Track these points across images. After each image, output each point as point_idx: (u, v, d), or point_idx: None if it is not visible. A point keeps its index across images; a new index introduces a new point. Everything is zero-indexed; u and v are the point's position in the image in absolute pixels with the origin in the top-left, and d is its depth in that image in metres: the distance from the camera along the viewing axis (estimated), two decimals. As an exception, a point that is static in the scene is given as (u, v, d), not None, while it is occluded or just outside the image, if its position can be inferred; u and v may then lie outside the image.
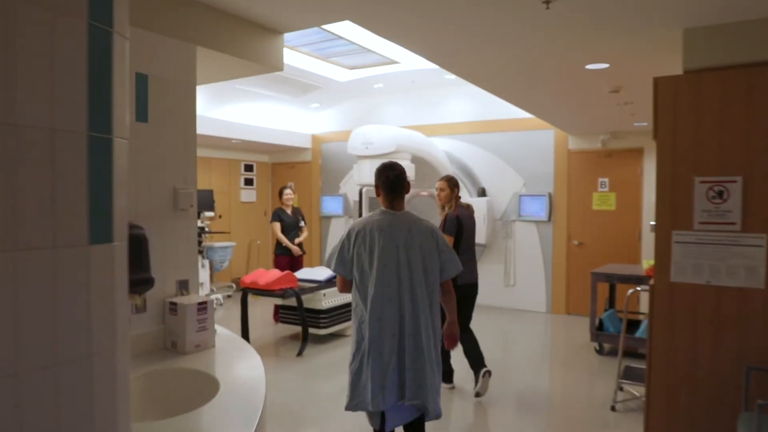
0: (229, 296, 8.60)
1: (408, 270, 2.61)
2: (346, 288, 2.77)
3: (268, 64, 3.12)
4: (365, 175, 7.05)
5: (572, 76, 4.03)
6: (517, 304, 7.82)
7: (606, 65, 3.66)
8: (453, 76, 8.06)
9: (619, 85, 4.23)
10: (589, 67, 3.73)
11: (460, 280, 3.90)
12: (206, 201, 7.83)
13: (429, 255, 2.65)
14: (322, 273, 6.03)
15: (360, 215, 7.92)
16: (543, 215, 7.61)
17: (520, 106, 5.88)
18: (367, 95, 8.74)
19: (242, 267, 9.45)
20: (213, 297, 7.65)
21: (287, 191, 6.96)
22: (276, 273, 5.50)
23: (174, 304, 2.40)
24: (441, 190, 4.59)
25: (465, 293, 4.19)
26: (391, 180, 2.74)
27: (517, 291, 7.83)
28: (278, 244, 6.78)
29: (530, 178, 7.72)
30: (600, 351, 5.62)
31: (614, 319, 5.66)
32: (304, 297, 5.52)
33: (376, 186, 2.79)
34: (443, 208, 4.61)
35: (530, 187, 7.72)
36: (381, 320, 2.59)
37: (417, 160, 7.30)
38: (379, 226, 2.64)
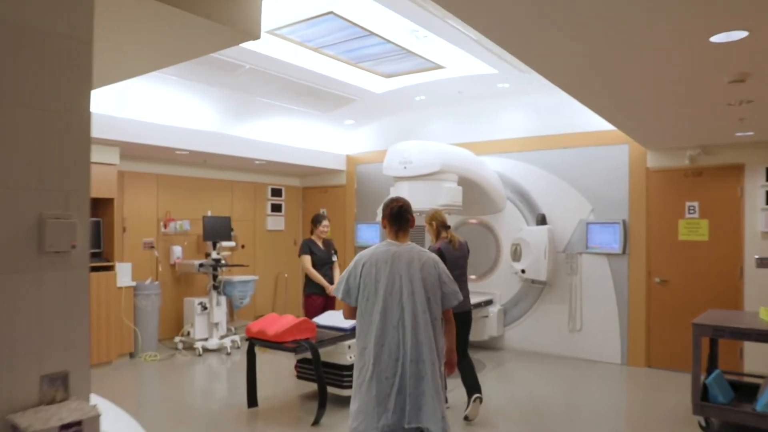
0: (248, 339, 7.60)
1: (411, 299, 2.77)
2: (351, 315, 2.95)
3: (239, 29, 2.13)
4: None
5: (685, 56, 2.89)
6: (585, 353, 6.53)
7: (742, 34, 2.51)
8: (507, 85, 6.95)
9: (747, 72, 3.06)
10: (714, 39, 2.58)
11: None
12: (221, 229, 6.93)
13: (431, 285, 2.82)
14: (348, 320, 4.96)
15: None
16: (616, 247, 6.34)
17: (597, 108, 4.73)
18: (408, 109, 7.74)
19: (267, 303, 8.48)
20: (222, 342, 6.69)
21: (326, 222, 5.87)
22: (289, 320, 4.46)
23: (16, 429, 1.34)
24: (428, 224, 4.99)
25: (459, 320, 4.09)
26: (395, 212, 2.93)
27: (585, 337, 6.55)
28: (309, 281, 5.70)
29: (600, 203, 6.49)
30: (708, 429, 4.29)
31: (723, 383, 4.35)
32: (324, 350, 4.46)
33: (383, 218, 2.99)
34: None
35: (600, 213, 6.49)
36: (384, 347, 2.76)
37: (465, 182, 6.21)
38: (384, 257, 2.82)
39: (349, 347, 4.64)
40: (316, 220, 5.81)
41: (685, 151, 5.98)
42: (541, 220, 6.70)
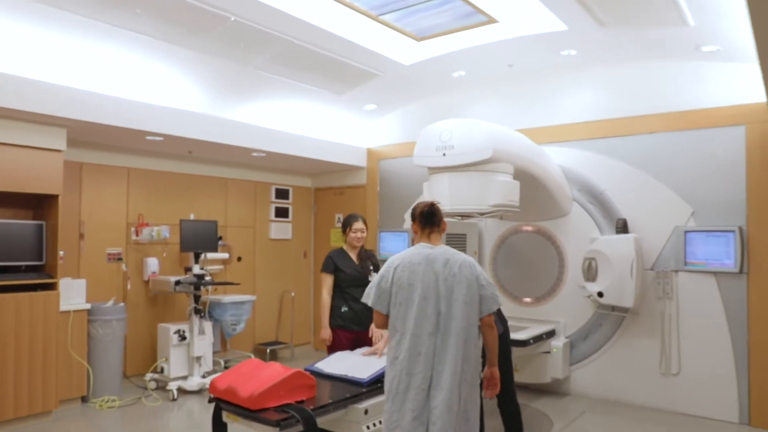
0: (212, 400, 6.08)
1: (447, 302, 2.61)
2: (383, 324, 2.77)
3: None
4: (441, 195, 4.46)
5: None
6: (685, 405, 4.86)
7: None
8: (574, 52, 5.01)
9: None
10: None
11: None
12: (205, 237, 5.45)
13: (468, 288, 2.63)
14: (367, 365, 3.42)
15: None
16: (729, 263, 4.69)
17: None
18: (443, 89, 6.20)
19: (270, 329, 6.96)
20: (205, 382, 5.18)
21: (358, 224, 4.27)
22: (274, 373, 2.92)
23: None
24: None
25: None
26: (426, 212, 2.78)
27: (685, 384, 4.88)
28: (333, 309, 4.14)
29: (704, 205, 4.85)
30: None
31: None
32: (326, 419, 2.92)
33: (413, 222, 2.84)
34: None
35: (704, 218, 4.85)
36: (420, 356, 2.59)
37: (522, 176, 4.65)
38: (418, 260, 2.66)
39: (367, 412, 3.08)
40: (347, 222, 4.28)
41: (831, 131, 4.33)
42: (622, 227, 5.08)
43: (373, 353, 3.67)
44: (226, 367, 5.95)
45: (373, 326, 4.19)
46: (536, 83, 5.75)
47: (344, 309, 4.12)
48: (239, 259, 6.51)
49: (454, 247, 2.93)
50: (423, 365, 2.58)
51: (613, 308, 5.10)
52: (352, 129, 6.87)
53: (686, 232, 4.89)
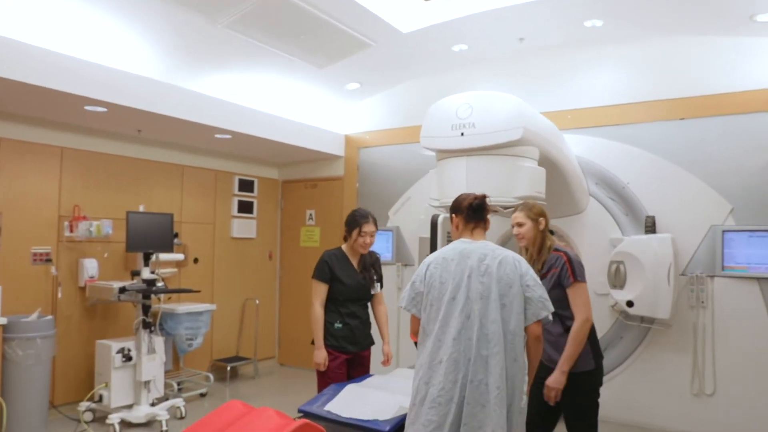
0: (203, 395, 5.11)
1: (480, 304, 2.19)
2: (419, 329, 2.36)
3: None
4: (457, 184, 3.69)
5: None
6: (718, 430, 4.26)
7: None
8: (600, 23, 4.29)
9: None
10: None
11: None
12: (158, 234, 4.47)
13: (508, 287, 2.20)
14: (387, 403, 2.59)
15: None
16: (776, 268, 4.14)
17: None
18: (440, 67, 5.43)
19: (230, 342, 5.98)
20: (154, 412, 4.19)
21: (369, 226, 3.32)
22: (274, 425, 2.04)
23: None
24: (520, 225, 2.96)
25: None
26: (476, 205, 2.42)
27: (720, 405, 4.28)
28: (326, 326, 3.27)
29: (744, 201, 4.27)
30: None
31: None
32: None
33: (454, 216, 2.50)
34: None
35: (745, 216, 4.27)
36: (441, 363, 2.17)
37: (544, 164, 3.93)
38: (452, 255, 2.32)
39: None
40: (354, 221, 3.32)
41: None
42: (651, 226, 4.45)
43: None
44: (179, 390, 4.96)
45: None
46: (550, 61, 5.06)
47: (338, 325, 3.27)
48: (196, 260, 5.51)
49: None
50: (443, 376, 2.15)
51: (642, 319, 4.46)
52: (330, 112, 5.99)
53: (724, 231, 4.30)
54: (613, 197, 4.72)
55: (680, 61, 4.55)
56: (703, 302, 4.35)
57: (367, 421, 2.46)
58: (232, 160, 6.05)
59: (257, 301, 6.11)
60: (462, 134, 3.65)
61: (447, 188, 3.84)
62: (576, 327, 2.69)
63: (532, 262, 2.85)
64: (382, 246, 5.80)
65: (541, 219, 2.91)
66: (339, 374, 3.23)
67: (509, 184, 3.66)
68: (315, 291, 3.26)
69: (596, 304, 4.54)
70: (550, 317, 2.27)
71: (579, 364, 2.71)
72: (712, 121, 4.42)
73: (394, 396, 2.70)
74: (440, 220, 4.57)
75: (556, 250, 2.87)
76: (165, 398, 4.53)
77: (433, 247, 4.62)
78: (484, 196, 2.48)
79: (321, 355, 3.20)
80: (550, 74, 5.09)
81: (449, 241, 4.77)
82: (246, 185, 6.13)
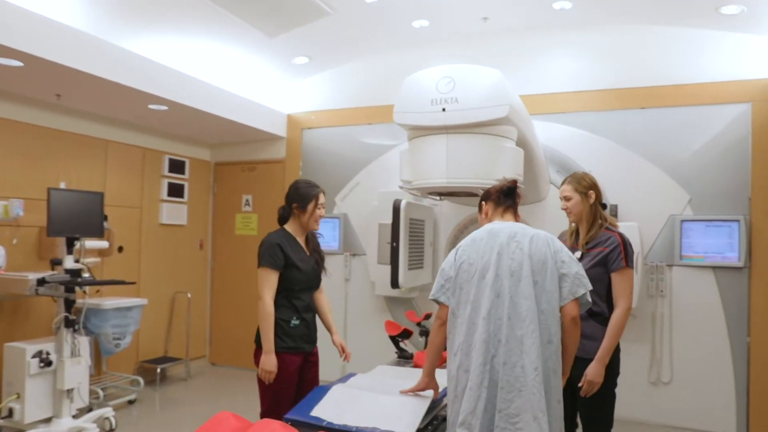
0: (131, 402, 4.49)
1: (511, 281, 2.01)
2: (444, 326, 2.15)
3: None
4: (435, 164, 3.44)
5: None
6: (675, 417, 4.32)
7: None
8: (569, 5, 4.16)
9: None
10: None
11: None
12: (86, 216, 3.84)
13: (541, 264, 2.03)
14: (396, 404, 2.27)
15: (395, 249, 4.40)
16: (732, 257, 4.22)
17: None
18: (398, 44, 5.12)
19: (158, 341, 5.35)
20: (79, 425, 3.58)
21: (323, 196, 2.97)
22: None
23: None
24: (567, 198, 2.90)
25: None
26: (506, 191, 2.34)
27: (677, 394, 4.34)
28: (279, 325, 2.72)
29: (702, 191, 4.34)
30: None
31: None
32: None
33: (485, 204, 2.38)
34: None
35: (703, 206, 4.34)
36: (471, 347, 2.02)
37: (520, 146, 3.75)
38: (481, 235, 2.16)
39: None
40: (306, 193, 2.86)
41: (842, 115, 4.01)
42: (614, 216, 4.42)
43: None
44: (104, 398, 4.32)
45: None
46: (513, 44, 4.90)
47: (295, 322, 2.75)
48: (120, 249, 4.85)
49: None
50: (475, 358, 1.99)
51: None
52: (272, 88, 5.51)
53: (683, 221, 4.35)
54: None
55: (644, 50, 4.55)
56: (662, 291, 4.39)
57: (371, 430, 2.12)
58: (161, 137, 5.40)
59: (189, 295, 5.52)
60: (444, 110, 3.37)
61: (423, 169, 3.55)
62: (619, 315, 2.56)
63: (578, 237, 2.78)
64: (328, 234, 5.44)
65: (591, 192, 2.78)
66: (293, 381, 2.75)
67: (491, 165, 3.42)
68: (265, 281, 2.67)
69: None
70: (589, 298, 2.07)
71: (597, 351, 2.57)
72: (671, 111, 4.46)
73: (409, 399, 2.39)
74: (403, 205, 4.29)
75: (608, 229, 2.70)
76: (89, 408, 3.90)
77: (395, 234, 4.33)
78: (515, 181, 2.42)
79: (272, 362, 2.64)
80: (513, 57, 4.93)
81: (412, 227, 4.53)
82: (177, 166, 5.50)
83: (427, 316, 3.54)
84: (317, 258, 2.91)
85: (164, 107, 4.46)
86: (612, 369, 2.59)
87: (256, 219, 5.79)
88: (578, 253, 2.72)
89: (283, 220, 2.88)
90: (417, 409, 2.29)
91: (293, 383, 2.69)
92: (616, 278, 2.61)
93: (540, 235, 2.13)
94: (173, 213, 5.45)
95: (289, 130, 5.70)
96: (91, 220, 3.83)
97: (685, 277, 4.34)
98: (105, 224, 4.07)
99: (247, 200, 5.83)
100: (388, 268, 4.40)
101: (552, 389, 1.98)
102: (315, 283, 2.88)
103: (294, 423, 2.25)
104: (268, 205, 5.73)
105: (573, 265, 2.06)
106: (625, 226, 4.26)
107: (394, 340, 3.34)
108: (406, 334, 3.26)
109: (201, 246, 5.87)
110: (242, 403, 4.66)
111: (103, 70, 3.67)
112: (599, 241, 2.67)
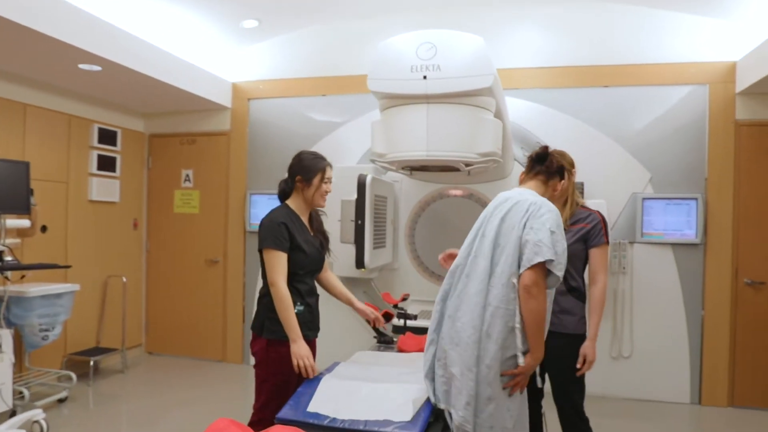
0: (62, 400, 4.00)
1: (479, 244, 2.08)
2: None
3: None
4: (414, 137, 3.24)
5: None
6: (635, 390, 4.41)
7: None
8: None
9: None
10: None
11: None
12: (12, 190, 3.32)
13: (511, 228, 2.02)
14: (399, 391, 2.06)
15: (360, 228, 4.16)
16: (690, 234, 4.32)
17: None
18: (356, 10, 4.81)
19: (89, 330, 4.82)
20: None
21: (330, 170, 2.62)
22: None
23: None
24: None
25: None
26: (535, 156, 2.31)
27: (636, 367, 4.41)
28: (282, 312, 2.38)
29: (663, 170, 4.40)
30: None
31: None
32: None
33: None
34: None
35: (663, 184, 4.40)
36: (437, 303, 2.15)
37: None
38: (493, 200, 2.22)
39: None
40: (313, 164, 2.54)
41: (792, 96, 4.15)
42: (580, 194, 4.37)
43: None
44: (29, 398, 3.80)
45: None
46: (476, 16, 4.73)
47: (299, 308, 2.47)
48: (44, 229, 4.28)
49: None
50: (434, 311, 2.15)
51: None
52: (216, 54, 5.05)
53: (644, 199, 4.39)
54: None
55: (607, 29, 4.53)
56: (624, 268, 4.42)
57: (398, 423, 1.91)
58: (90, 104, 4.81)
59: (124, 279, 5.00)
60: (425, 77, 3.15)
61: (400, 141, 3.32)
62: (600, 289, 2.59)
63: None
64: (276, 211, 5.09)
65: (574, 170, 2.69)
66: (289, 372, 2.42)
67: (473, 138, 3.26)
68: (275, 264, 2.38)
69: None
70: (559, 272, 1.93)
71: (576, 326, 2.61)
72: (633, 90, 4.47)
73: (403, 386, 2.17)
74: (369, 180, 4.04)
75: (584, 207, 2.72)
76: (12, 412, 3.40)
77: (360, 211, 4.07)
78: (546, 147, 2.34)
79: (305, 349, 2.35)
80: (475, 30, 4.68)
81: (376, 204, 4.28)
82: (108, 136, 4.93)
83: (405, 298, 3.33)
84: (321, 239, 2.62)
85: (97, 67, 3.93)
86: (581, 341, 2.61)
87: (198, 196, 5.33)
88: None
89: (284, 195, 2.58)
90: (418, 395, 2.10)
91: (297, 376, 2.39)
92: (596, 254, 2.63)
93: (524, 202, 2.08)
94: (104, 188, 4.90)
95: (234, 100, 5.26)
96: (15, 194, 3.30)
97: (645, 254, 4.40)
98: (31, 200, 3.53)
99: (187, 175, 5.35)
100: (350, 247, 4.16)
101: (482, 351, 1.97)
102: (319, 265, 2.61)
103: (294, 422, 1.99)
104: (212, 181, 5.29)
105: (539, 233, 1.95)
106: (594, 204, 4.22)
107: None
108: (388, 317, 3.03)
109: (135, 225, 5.34)
110: (186, 395, 4.29)
111: (25, 17, 3.13)
112: (579, 217, 2.67)
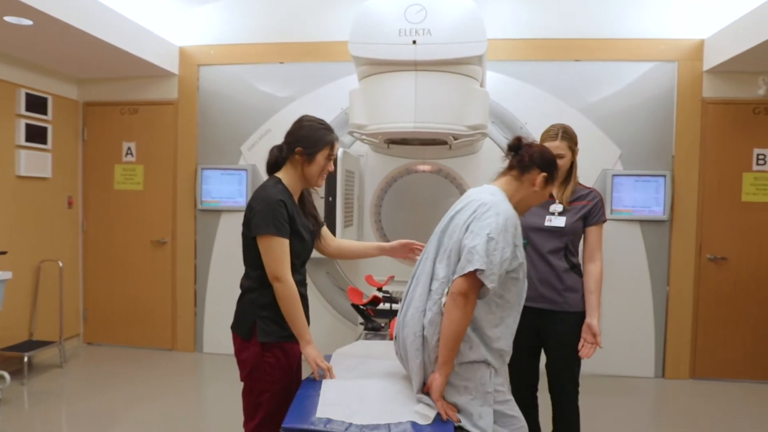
0: (-7, 402, 3.53)
1: (430, 252, 1.96)
2: None
3: None
4: (400, 107, 3.02)
5: None
6: (601, 366, 4.43)
7: None
8: None
9: None
10: None
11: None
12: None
13: (455, 229, 1.89)
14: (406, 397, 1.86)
15: (331, 204, 3.94)
16: (658, 210, 4.35)
17: None
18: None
19: (20, 322, 4.31)
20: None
21: (337, 146, 2.17)
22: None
23: None
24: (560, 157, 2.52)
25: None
26: (510, 143, 2.12)
27: (603, 344, 4.42)
28: (275, 308, 2.01)
29: (633, 147, 4.40)
30: None
31: None
32: None
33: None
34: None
35: (632, 161, 4.40)
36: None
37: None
38: None
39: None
40: (320, 136, 2.11)
41: (757, 76, 4.22)
42: (551, 169, 4.30)
43: None
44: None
45: None
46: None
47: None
48: (-35, 207, 3.73)
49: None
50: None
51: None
52: (161, 12, 4.56)
53: (614, 176, 4.38)
54: (509, 138, 4.44)
55: (577, 2, 4.43)
56: (592, 245, 4.39)
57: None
58: (16, 65, 4.22)
59: (60, 264, 4.49)
60: (414, 42, 2.92)
61: (384, 111, 3.10)
62: (600, 268, 2.58)
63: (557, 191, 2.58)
64: (233, 189, 4.76)
65: (576, 147, 2.55)
66: (298, 378, 2.15)
67: (462, 110, 3.08)
68: (279, 255, 1.97)
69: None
70: (491, 284, 1.74)
71: (579, 303, 2.57)
72: (604, 65, 4.42)
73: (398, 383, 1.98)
74: (341, 154, 3.77)
75: (580, 184, 2.58)
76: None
77: (331, 187, 3.81)
78: (518, 138, 2.11)
79: (314, 353, 2.03)
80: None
81: (347, 179, 4.02)
82: (37, 104, 4.36)
83: (391, 279, 3.12)
84: (314, 222, 2.22)
85: (28, 21, 3.42)
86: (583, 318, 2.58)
87: (142, 171, 4.86)
88: (558, 207, 2.54)
89: (275, 166, 2.14)
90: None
91: (298, 380, 2.11)
92: (595, 232, 2.59)
93: (474, 202, 1.91)
94: (34, 162, 4.34)
95: (182, 66, 4.80)
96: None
97: (614, 231, 4.39)
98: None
99: (129, 149, 4.86)
100: (319, 227, 3.90)
101: (426, 359, 1.87)
102: (310, 254, 2.22)
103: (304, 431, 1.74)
104: (157, 155, 4.83)
105: (476, 238, 1.78)
106: (568, 180, 4.20)
107: (360, 309, 2.87)
108: (375, 302, 2.81)
109: (70, 204, 4.80)
110: (135, 390, 3.91)
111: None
112: (580, 194, 2.58)
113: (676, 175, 4.33)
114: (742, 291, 4.31)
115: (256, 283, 2.04)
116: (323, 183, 2.20)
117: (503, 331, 1.92)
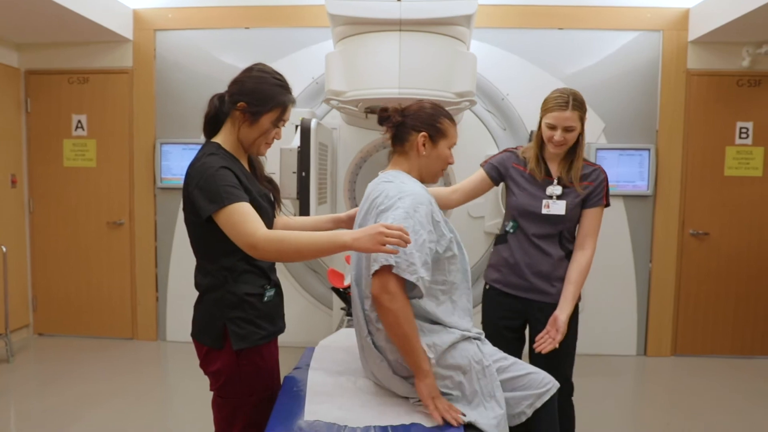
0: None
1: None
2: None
3: None
4: (383, 72, 2.77)
5: None
6: (584, 346, 4.30)
7: None
8: None
9: None
10: None
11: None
12: None
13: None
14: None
15: (305, 180, 3.66)
16: (642, 185, 4.24)
17: None
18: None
19: (-42, 310, 3.91)
20: None
21: (290, 111, 1.79)
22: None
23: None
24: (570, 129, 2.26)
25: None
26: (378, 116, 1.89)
27: (586, 322, 4.29)
28: (244, 301, 1.70)
29: (617, 120, 4.26)
30: None
31: None
32: None
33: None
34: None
35: (616, 134, 4.27)
36: None
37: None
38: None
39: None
40: (273, 94, 1.71)
41: (741, 47, 4.11)
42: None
43: None
44: None
45: None
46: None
47: (269, 294, 1.76)
48: None
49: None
50: None
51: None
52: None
53: (597, 150, 4.24)
54: (491, 110, 4.25)
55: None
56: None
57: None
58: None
59: (4, 249, 4.08)
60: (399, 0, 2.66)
61: (365, 76, 2.84)
62: (590, 258, 2.23)
63: (544, 166, 2.31)
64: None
65: (585, 116, 2.30)
66: (277, 383, 1.86)
67: (450, 74, 2.85)
68: (246, 218, 1.54)
69: (470, 228, 4.15)
70: (421, 283, 1.58)
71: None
72: (588, 34, 4.25)
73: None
74: (314, 125, 3.49)
75: (586, 161, 2.33)
76: None
77: (305, 161, 3.53)
78: (386, 108, 1.85)
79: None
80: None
81: (320, 153, 3.75)
82: (-29, 69, 3.92)
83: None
84: (270, 188, 1.88)
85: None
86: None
87: (94, 146, 4.46)
88: (557, 189, 2.24)
89: (213, 121, 1.74)
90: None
91: (278, 386, 1.83)
92: (593, 215, 2.25)
93: (383, 194, 1.72)
94: (-30, 136, 3.91)
95: (136, 30, 4.40)
96: None
97: (596, 207, 4.26)
98: None
99: (79, 122, 4.45)
100: (289, 204, 3.65)
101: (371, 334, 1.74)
102: (272, 225, 1.89)
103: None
104: (111, 129, 4.45)
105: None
106: (553, 154, 4.03)
107: (341, 293, 2.64)
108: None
109: (14, 182, 4.38)
110: (90, 384, 3.59)
111: None
112: (584, 173, 2.28)
113: (660, 149, 4.22)
114: (723, 266, 4.26)
115: (218, 279, 1.68)
116: (265, 153, 1.83)
117: (461, 314, 1.74)
